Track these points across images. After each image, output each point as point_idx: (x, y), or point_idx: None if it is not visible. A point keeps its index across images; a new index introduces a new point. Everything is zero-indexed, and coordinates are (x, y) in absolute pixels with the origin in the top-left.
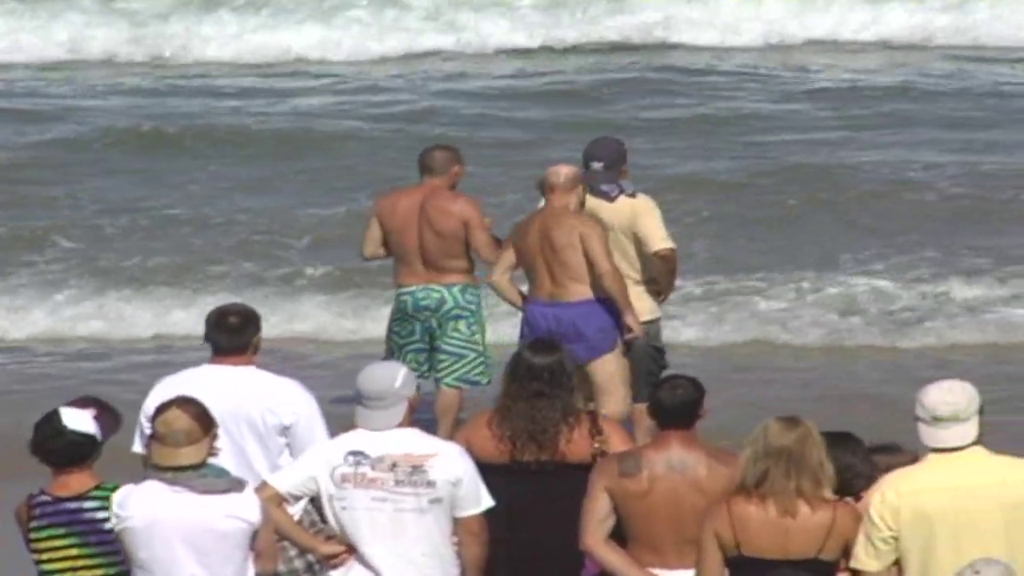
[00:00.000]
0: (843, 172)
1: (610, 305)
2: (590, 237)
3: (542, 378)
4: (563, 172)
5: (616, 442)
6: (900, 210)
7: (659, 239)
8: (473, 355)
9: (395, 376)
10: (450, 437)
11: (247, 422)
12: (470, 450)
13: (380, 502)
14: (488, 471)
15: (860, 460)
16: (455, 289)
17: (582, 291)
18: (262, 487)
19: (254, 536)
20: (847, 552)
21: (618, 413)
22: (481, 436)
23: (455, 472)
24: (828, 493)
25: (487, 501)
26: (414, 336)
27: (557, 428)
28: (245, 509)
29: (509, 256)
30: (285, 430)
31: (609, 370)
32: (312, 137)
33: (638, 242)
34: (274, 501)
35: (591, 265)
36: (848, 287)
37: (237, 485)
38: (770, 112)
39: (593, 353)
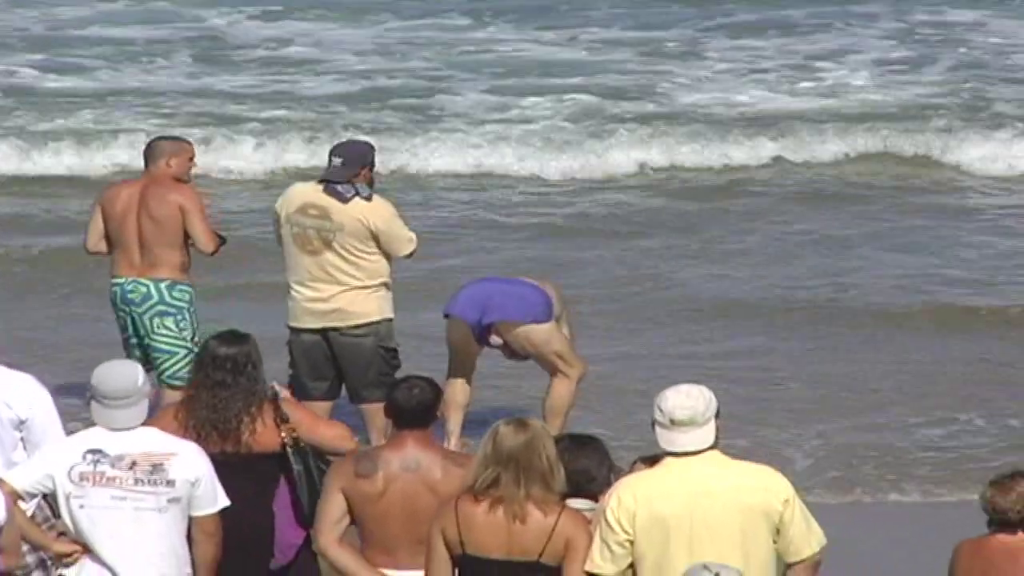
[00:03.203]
0: None
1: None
2: None
3: (225, 367)
4: None
5: (306, 425)
6: None
7: (405, 242)
8: (184, 352)
9: (136, 374)
10: None
11: None
12: None
13: (119, 500)
14: None
15: (596, 464)
16: (163, 285)
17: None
18: None
19: None
20: (572, 555)
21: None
22: (169, 428)
23: (194, 472)
24: (557, 496)
25: (223, 500)
26: (128, 330)
27: (239, 418)
28: None
29: None
30: (20, 424)
31: (545, 338)
32: None
33: (371, 244)
34: (11, 498)
35: None
36: None
37: None
38: None
39: (527, 317)
